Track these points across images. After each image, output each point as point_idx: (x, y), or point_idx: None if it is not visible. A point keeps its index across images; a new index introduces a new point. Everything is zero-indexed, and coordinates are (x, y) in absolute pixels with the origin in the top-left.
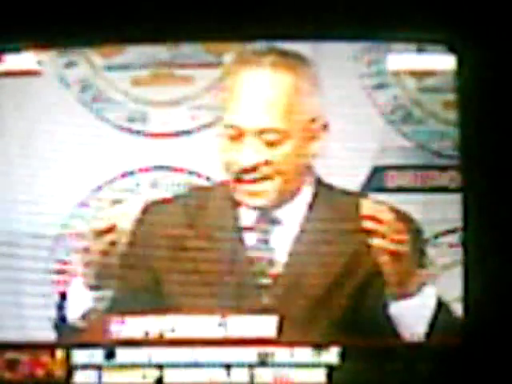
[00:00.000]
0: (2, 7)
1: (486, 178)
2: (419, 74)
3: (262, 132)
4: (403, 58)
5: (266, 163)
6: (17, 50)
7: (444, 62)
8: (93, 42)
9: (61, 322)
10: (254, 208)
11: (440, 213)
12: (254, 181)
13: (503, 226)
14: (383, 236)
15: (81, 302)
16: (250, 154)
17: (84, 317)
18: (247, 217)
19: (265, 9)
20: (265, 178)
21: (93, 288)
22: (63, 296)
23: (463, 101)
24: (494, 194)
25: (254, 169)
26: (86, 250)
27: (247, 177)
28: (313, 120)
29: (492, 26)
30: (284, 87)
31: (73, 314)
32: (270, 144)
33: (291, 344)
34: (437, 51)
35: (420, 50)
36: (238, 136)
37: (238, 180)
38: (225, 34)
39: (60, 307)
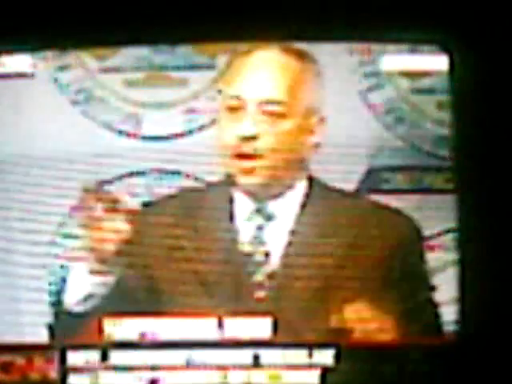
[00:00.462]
0: None
1: (481, 179)
2: (413, 75)
3: (263, 103)
4: (397, 59)
5: (264, 135)
6: (10, 52)
7: (438, 62)
8: (86, 44)
9: (57, 307)
10: (248, 193)
11: (435, 214)
12: (249, 157)
13: (498, 227)
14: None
15: (80, 287)
16: (250, 124)
17: (82, 302)
18: (241, 214)
19: (259, 10)
20: (260, 155)
21: (94, 273)
22: (63, 280)
23: (456, 101)
24: (488, 195)
25: (251, 138)
26: (90, 235)
27: (244, 148)
28: (312, 112)
29: (485, 25)
30: (290, 69)
31: (71, 298)
32: (271, 115)
33: (285, 345)
34: (430, 52)
35: (413, 51)
36: (239, 107)
37: (234, 155)
38: (220, 35)
39: (58, 292)
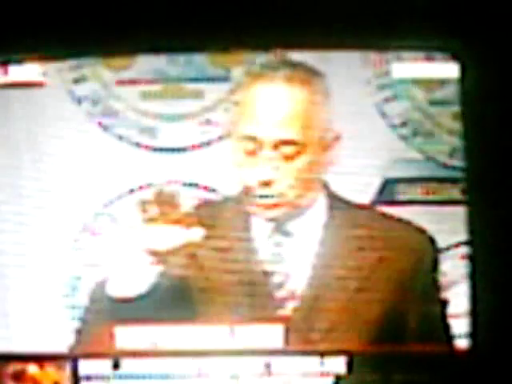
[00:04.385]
0: (7, 19)
1: (495, 191)
2: (428, 87)
3: (279, 144)
4: (409, 67)
5: (282, 179)
6: (19, 61)
7: (449, 70)
8: (99, 53)
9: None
10: (268, 219)
11: (451, 225)
12: (269, 196)
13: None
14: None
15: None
16: (267, 169)
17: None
18: (261, 230)
19: (272, 18)
20: (279, 193)
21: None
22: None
23: (467, 109)
24: (502, 206)
25: (269, 183)
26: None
27: (262, 191)
28: (327, 131)
29: (497, 34)
30: (299, 100)
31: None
32: (287, 158)
33: (298, 353)
34: (442, 60)
35: (425, 59)
36: (254, 150)
37: (253, 195)
38: (232, 44)
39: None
